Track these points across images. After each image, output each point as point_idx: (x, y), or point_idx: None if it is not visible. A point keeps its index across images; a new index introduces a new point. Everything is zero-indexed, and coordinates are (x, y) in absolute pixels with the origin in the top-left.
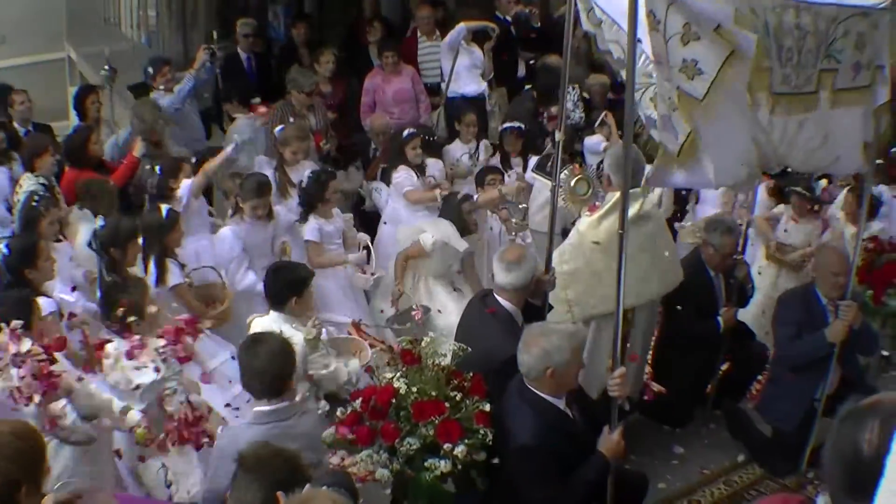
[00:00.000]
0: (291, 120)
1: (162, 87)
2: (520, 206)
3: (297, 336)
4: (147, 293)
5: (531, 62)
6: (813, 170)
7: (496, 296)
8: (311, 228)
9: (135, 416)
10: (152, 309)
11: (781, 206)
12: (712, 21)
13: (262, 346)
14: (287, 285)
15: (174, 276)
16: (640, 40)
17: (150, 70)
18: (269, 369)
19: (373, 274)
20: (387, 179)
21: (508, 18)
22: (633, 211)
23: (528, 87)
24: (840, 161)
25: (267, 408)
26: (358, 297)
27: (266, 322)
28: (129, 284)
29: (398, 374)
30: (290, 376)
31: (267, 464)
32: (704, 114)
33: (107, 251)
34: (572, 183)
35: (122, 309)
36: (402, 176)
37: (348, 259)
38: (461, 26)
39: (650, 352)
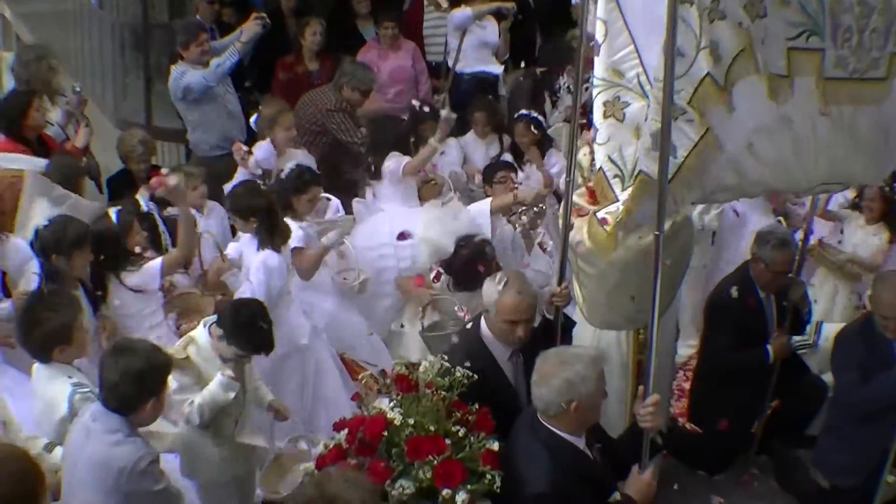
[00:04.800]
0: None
1: (195, 59)
2: (534, 209)
3: None
4: (80, 314)
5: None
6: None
7: (482, 318)
8: (296, 234)
9: (59, 453)
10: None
11: (847, 211)
12: (736, 16)
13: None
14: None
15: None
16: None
17: (183, 37)
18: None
19: (357, 276)
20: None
21: None
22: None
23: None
24: None
25: None
26: (352, 312)
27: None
28: (57, 301)
29: (391, 404)
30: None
31: None
32: (723, 105)
33: (48, 257)
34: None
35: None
36: (394, 162)
37: (323, 243)
38: (467, 13)
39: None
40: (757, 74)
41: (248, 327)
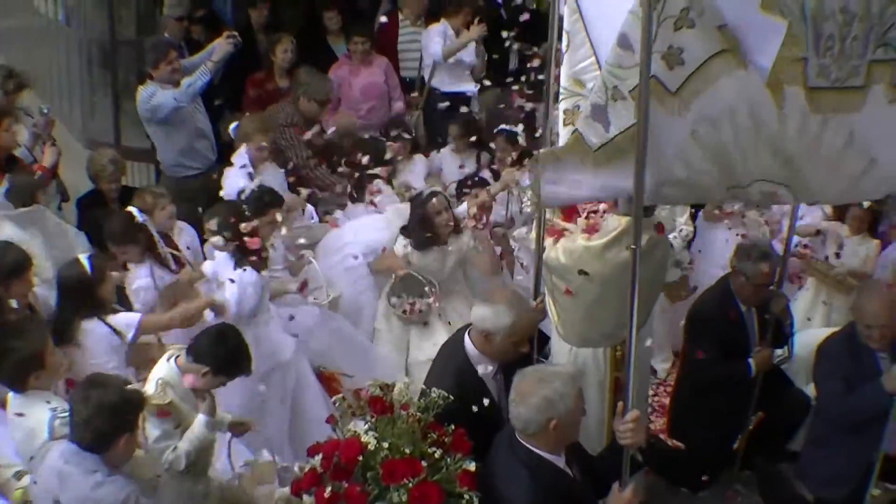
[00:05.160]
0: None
1: (165, 77)
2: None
3: None
4: (48, 338)
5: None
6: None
7: (467, 334)
8: None
9: (27, 481)
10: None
11: (834, 223)
12: (717, 17)
13: None
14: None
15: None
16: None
17: (152, 56)
18: None
19: (326, 295)
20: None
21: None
22: (607, 240)
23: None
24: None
25: None
26: (337, 319)
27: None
28: (25, 328)
29: (366, 427)
30: None
31: None
32: (669, 108)
33: None
34: None
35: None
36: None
37: (290, 288)
38: (437, 52)
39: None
40: (745, 70)
41: (235, 355)
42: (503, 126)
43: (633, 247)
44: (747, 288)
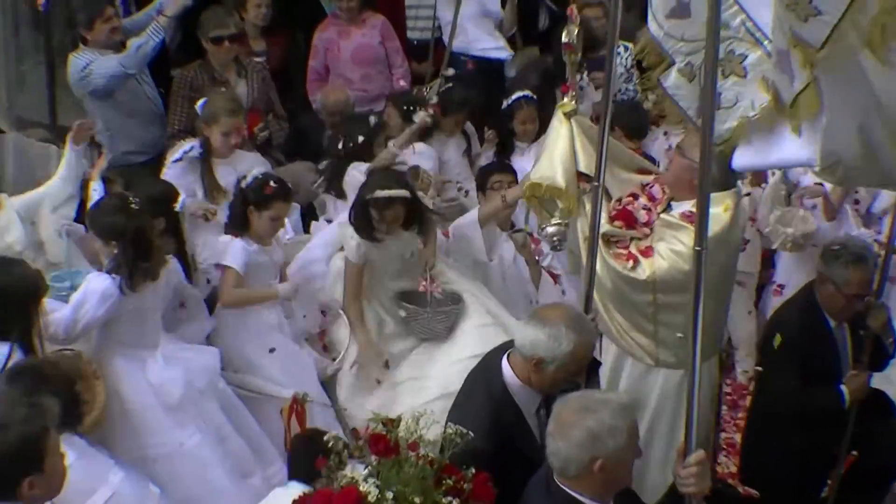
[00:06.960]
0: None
1: (103, 40)
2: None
3: None
4: None
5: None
6: None
7: (505, 358)
8: (235, 251)
9: None
10: None
11: None
12: None
13: None
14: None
15: None
16: None
17: (84, 15)
18: None
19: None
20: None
21: None
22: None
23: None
24: None
25: None
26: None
27: None
28: None
29: (366, 472)
30: None
31: None
32: (824, 68)
33: None
34: None
35: None
36: (359, 175)
37: (277, 290)
38: None
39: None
40: None
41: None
42: (523, 93)
43: (697, 248)
44: (838, 299)
